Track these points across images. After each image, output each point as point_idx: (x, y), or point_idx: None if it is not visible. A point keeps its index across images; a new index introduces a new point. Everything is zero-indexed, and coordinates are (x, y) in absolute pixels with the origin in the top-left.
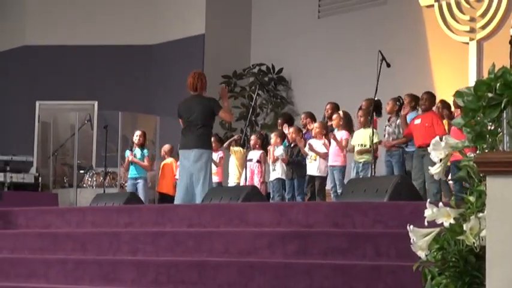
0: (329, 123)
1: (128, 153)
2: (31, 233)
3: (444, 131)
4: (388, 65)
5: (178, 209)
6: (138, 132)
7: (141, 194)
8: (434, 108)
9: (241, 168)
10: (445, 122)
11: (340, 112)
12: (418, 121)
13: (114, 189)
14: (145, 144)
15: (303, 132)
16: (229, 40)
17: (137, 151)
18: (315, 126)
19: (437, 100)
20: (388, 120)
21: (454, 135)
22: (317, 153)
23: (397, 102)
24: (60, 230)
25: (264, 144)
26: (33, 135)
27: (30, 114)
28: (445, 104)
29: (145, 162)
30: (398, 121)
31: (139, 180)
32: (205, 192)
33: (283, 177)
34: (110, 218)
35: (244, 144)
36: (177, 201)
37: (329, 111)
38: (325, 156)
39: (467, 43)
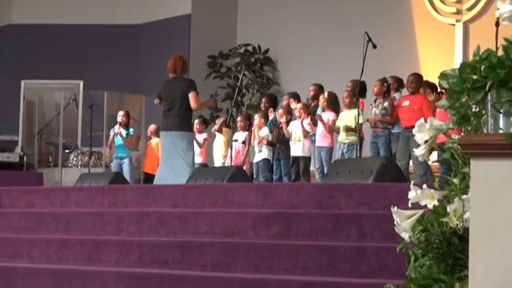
0: (312, 105)
1: (112, 131)
2: (15, 212)
3: (430, 112)
4: (374, 46)
5: (163, 190)
6: (121, 112)
7: (126, 174)
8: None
9: (228, 148)
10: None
11: (326, 93)
12: (406, 103)
13: (99, 169)
14: (129, 124)
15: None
16: (216, 20)
17: (122, 131)
18: (298, 107)
19: None
20: (375, 102)
21: (440, 117)
22: (303, 130)
23: (384, 84)
24: (44, 209)
25: (248, 125)
26: (18, 114)
27: (15, 93)
28: (430, 86)
29: (129, 140)
30: (385, 103)
31: (124, 160)
32: (185, 173)
33: (270, 158)
34: (94, 198)
35: (230, 124)
36: (156, 181)
37: (311, 93)
38: (307, 136)
39: (454, 25)
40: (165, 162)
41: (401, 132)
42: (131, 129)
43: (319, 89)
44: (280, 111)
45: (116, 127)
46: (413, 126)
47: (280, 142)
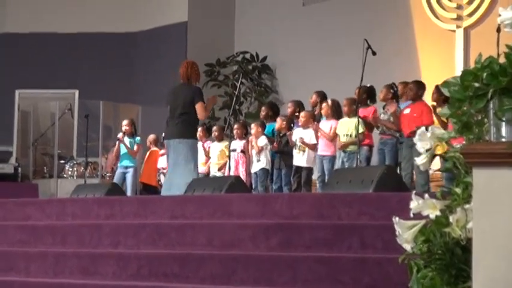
0: (315, 113)
1: (119, 135)
2: (10, 225)
3: (431, 122)
4: (374, 53)
5: (160, 201)
6: (125, 121)
7: (129, 184)
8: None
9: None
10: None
11: (329, 101)
12: (407, 111)
13: (95, 180)
14: (135, 133)
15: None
16: (213, 27)
17: (126, 139)
18: (301, 116)
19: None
20: (383, 108)
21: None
22: (307, 145)
23: (391, 90)
24: (40, 222)
25: (245, 133)
26: (13, 124)
27: (9, 103)
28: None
29: (135, 149)
30: (393, 109)
31: (129, 169)
32: (187, 184)
33: (268, 167)
34: (91, 210)
35: (228, 133)
36: (163, 192)
37: (312, 100)
38: (314, 148)
39: (454, 31)
40: (169, 173)
41: (404, 141)
42: (137, 138)
43: (321, 96)
44: (278, 120)
45: (120, 135)
46: (413, 134)
47: (282, 151)
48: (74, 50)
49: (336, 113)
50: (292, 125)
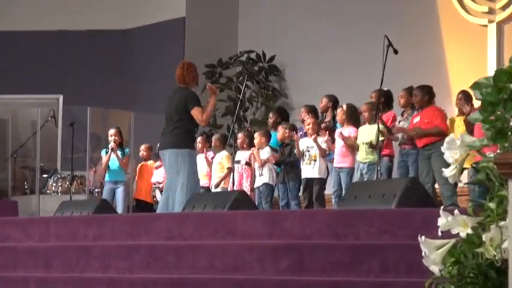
0: (326, 119)
1: (104, 152)
2: None
3: (443, 122)
4: (396, 52)
5: (155, 219)
6: (112, 131)
7: (119, 201)
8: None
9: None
10: (464, 119)
11: (344, 106)
12: (417, 119)
13: (82, 196)
14: (123, 143)
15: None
16: (214, 24)
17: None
18: (307, 124)
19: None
20: (402, 115)
21: (479, 133)
22: (319, 148)
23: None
24: (20, 243)
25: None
26: None
27: None
28: (467, 96)
29: (124, 161)
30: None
31: (119, 185)
32: (185, 200)
33: (272, 182)
34: (78, 230)
35: (231, 143)
36: (159, 210)
37: (322, 105)
38: (324, 154)
39: (486, 26)
40: (166, 188)
41: (420, 153)
42: (126, 149)
43: (332, 101)
44: (280, 129)
45: (112, 144)
46: (430, 143)
47: (285, 163)
48: (58, 49)
49: (353, 118)
50: (295, 132)
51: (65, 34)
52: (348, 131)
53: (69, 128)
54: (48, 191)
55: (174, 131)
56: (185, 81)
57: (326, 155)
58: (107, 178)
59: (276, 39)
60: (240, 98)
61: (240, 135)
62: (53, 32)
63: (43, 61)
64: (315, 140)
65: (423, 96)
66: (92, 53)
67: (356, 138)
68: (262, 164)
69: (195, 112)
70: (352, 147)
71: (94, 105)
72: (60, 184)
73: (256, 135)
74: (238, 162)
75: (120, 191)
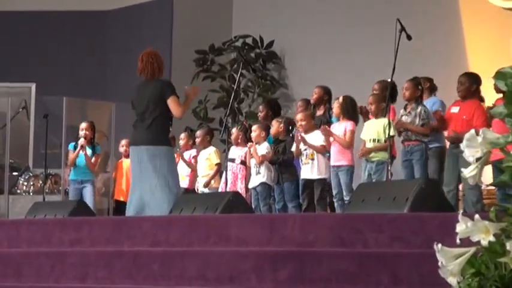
0: (317, 114)
1: (71, 146)
2: None
3: (483, 126)
4: (409, 38)
5: (139, 223)
6: (83, 125)
7: (89, 202)
8: None
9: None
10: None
11: (340, 98)
12: (455, 109)
13: (57, 197)
14: (94, 140)
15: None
16: (205, 4)
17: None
18: (299, 119)
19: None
20: (405, 109)
21: (497, 128)
22: (311, 146)
23: (419, 86)
24: None
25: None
26: None
27: None
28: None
29: (93, 161)
30: (419, 109)
31: (86, 184)
32: (165, 201)
33: (270, 182)
34: (52, 234)
35: (223, 138)
36: (128, 213)
37: (314, 97)
38: (322, 151)
39: (511, 9)
40: (134, 189)
41: (449, 149)
42: (97, 147)
43: (325, 92)
44: (274, 123)
45: (81, 140)
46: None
47: (278, 162)
48: (30, 33)
49: (350, 112)
50: (290, 127)
51: (37, 15)
52: (344, 125)
53: (43, 120)
54: (18, 191)
55: (151, 126)
56: (147, 73)
57: (325, 150)
58: (71, 176)
59: (275, 22)
60: (235, 88)
61: (234, 129)
62: (26, 12)
63: (13, 46)
64: (303, 139)
65: (471, 85)
66: (69, 37)
67: (353, 132)
68: (261, 162)
69: (172, 102)
70: (343, 144)
71: (70, 95)
72: (32, 183)
73: (254, 128)
74: (233, 160)
75: (88, 191)
